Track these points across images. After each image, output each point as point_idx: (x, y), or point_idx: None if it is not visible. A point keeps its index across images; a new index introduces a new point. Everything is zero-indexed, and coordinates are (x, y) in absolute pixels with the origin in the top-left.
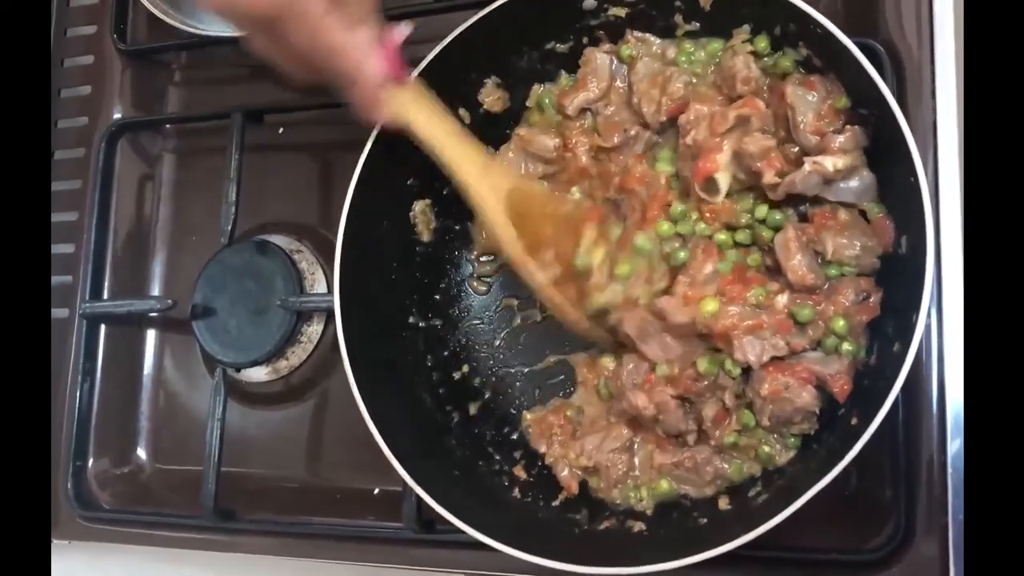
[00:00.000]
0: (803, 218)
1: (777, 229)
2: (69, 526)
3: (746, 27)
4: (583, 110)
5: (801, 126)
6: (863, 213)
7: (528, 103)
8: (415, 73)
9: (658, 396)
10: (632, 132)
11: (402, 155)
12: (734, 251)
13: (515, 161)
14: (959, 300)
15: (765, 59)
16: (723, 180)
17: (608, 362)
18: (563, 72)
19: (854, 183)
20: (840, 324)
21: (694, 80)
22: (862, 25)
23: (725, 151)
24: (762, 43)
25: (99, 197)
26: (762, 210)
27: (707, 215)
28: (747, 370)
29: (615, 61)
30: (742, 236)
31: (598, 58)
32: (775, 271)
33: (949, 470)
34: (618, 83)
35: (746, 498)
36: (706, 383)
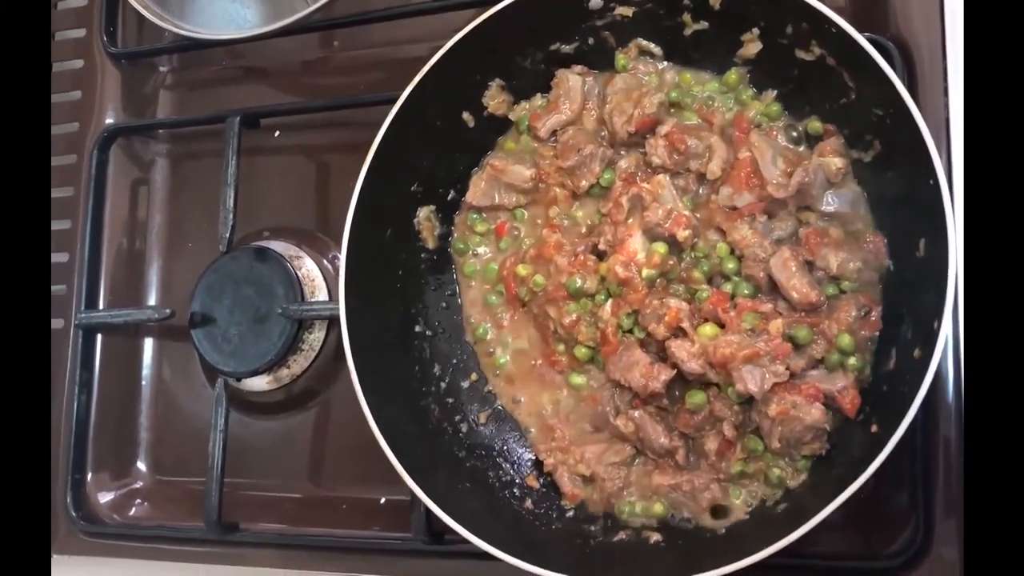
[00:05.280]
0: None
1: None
2: (68, 540)
3: (755, 30)
4: (554, 132)
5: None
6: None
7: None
8: (419, 77)
9: (635, 416)
10: (587, 152)
11: (405, 161)
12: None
13: (487, 190)
14: None
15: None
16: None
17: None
18: (538, 94)
19: (847, 192)
20: (846, 340)
21: (682, 111)
22: (871, 20)
23: (635, 235)
24: (774, 107)
25: (92, 204)
26: (722, 248)
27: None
28: (750, 398)
29: (588, 83)
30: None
31: (570, 79)
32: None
33: None
34: (590, 105)
35: (764, 507)
36: (701, 417)
